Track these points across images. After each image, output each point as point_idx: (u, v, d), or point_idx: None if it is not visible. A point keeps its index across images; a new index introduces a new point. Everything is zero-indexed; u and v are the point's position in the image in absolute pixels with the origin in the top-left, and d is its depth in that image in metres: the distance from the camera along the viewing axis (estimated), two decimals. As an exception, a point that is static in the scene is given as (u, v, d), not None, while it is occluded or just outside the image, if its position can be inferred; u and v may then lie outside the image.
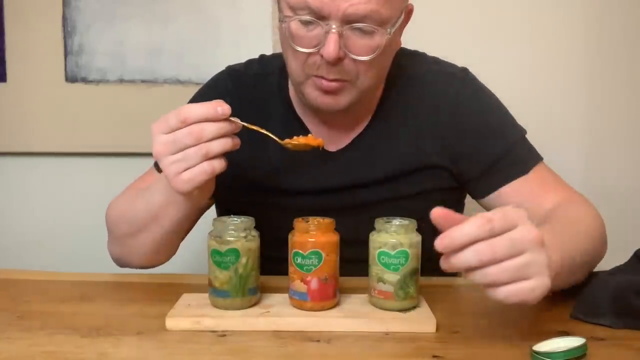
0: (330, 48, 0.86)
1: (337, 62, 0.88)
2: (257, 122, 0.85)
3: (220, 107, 0.81)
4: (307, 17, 0.87)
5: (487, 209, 1.01)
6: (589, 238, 0.87)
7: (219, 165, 0.82)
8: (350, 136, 1.03)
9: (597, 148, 1.62)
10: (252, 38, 1.56)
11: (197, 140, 0.80)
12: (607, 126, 1.62)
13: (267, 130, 0.86)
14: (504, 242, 0.66)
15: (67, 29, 1.58)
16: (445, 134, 1.01)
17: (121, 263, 1.04)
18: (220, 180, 0.90)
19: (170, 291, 0.93)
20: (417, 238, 0.83)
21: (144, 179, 1.07)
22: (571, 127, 1.62)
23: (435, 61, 1.07)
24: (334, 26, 0.86)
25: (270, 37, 1.56)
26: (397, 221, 0.84)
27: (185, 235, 1.02)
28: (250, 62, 1.12)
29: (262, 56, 1.14)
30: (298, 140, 0.88)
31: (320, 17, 0.87)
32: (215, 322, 0.80)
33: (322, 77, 0.91)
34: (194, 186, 0.82)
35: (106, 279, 1.01)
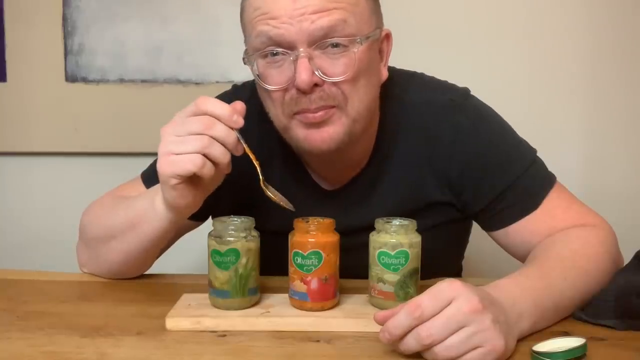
0: (302, 74, 0.82)
1: (312, 89, 0.84)
2: (260, 163, 0.83)
3: (237, 116, 0.80)
4: (273, 49, 0.84)
5: (495, 240, 0.99)
6: (589, 272, 0.85)
7: (208, 168, 0.80)
8: (348, 175, 0.99)
9: (596, 149, 1.62)
10: (252, 38, 1.56)
11: (202, 129, 0.79)
12: (606, 127, 1.61)
13: (261, 167, 0.84)
14: (439, 322, 0.67)
15: (67, 29, 1.58)
16: (446, 167, 0.96)
17: (88, 269, 1.01)
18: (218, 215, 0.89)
19: (170, 291, 0.93)
20: (417, 238, 0.83)
21: (125, 187, 1.05)
22: (570, 127, 1.62)
23: (433, 86, 1.01)
24: (301, 50, 0.82)
25: (270, 37, 1.56)
26: (397, 221, 0.84)
27: (159, 255, 0.99)
28: (254, 92, 1.00)
29: None
30: (274, 194, 0.86)
31: (286, 46, 0.83)
32: (215, 322, 0.80)
33: (306, 111, 0.86)
34: (175, 173, 0.79)
35: (106, 279, 1.01)
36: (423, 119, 0.97)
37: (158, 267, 1.03)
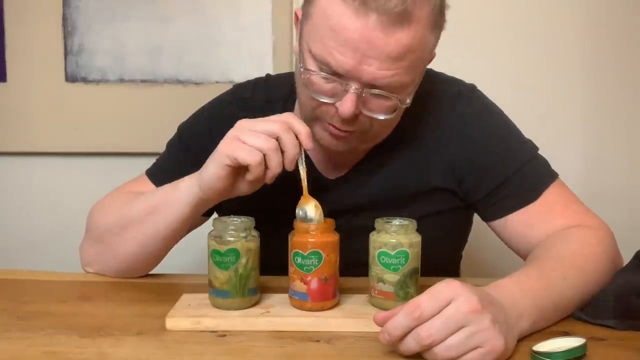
0: (347, 106, 0.85)
1: (352, 119, 0.87)
2: None
3: (309, 139, 0.83)
4: (328, 75, 0.86)
5: (495, 232, 1.00)
6: (588, 272, 0.85)
7: (260, 169, 0.82)
8: (352, 162, 1.01)
9: (596, 149, 1.62)
10: (252, 38, 1.56)
11: (277, 130, 0.81)
12: (606, 127, 1.62)
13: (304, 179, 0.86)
14: (439, 322, 0.67)
15: (67, 29, 1.58)
16: (451, 155, 0.99)
17: (95, 267, 1.01)
18: (224, 205, 0.91)
19: (170, 291, 0.93)
20: (417, 238, 0.83)
21: (131, 185, 1.06)
22: (570, 128, 1.62)
23: (442, 78, 1.04)
24: (353, 87, 0.85)
25: (270, 37, 1.56)
26: (397, 221, 0.84)
27: (167, 251, 0.99)
28: (256, 86, 1.09)
29: (268, 78, 1.11)
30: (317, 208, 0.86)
31: (341, 76, 0.85)
32: (215, 322, 0.80)
33: (334, 126, 0.90)
34: (233, 155, 0.81)
35: (106, 279, 1.01)
36: (431, 107, 1.00)
37: (158, 267, 1.03)
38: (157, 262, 1.00)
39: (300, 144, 0.83)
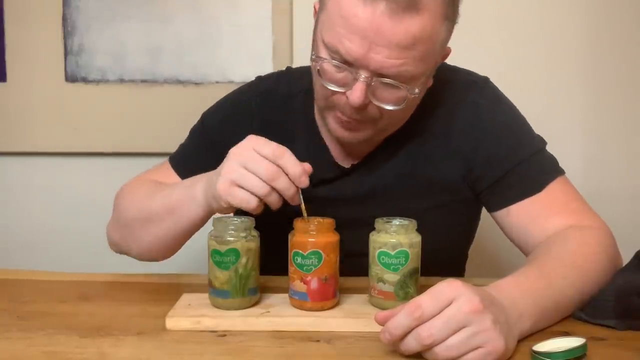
0: (357, 95, 0.86)
1: (362, 108, 0.88)
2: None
3: (305, 177, 0.82)
4: (338, 63, 0.86)
5: (499, 225, 1.01)
6: (587, 271, 0.85)
7: (260, 208, 0.82)
8: (366, 151, 1.02)
9: (596, 149, 1.62)
10: (252, 38, 1.56)
11: (266, 179, 0.80)
12: (606, 127, 1.62)
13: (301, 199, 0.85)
14: (440, 322, 0.67)
15: (67, 29, 1.58)
16: (462, 144, 0.99)
17: (119, 249, 1.03)
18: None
19: (170, 291, 0.93)
20: (417, 238, 0.83)
21: (155, 173, 1.07)
22: (570, 127, 1.62)
23: (455, 69, 1.05)
24: (363, 75, 0.85)
25: (270, 37, 1.56)
26: (397, 221, 0.84)
27: (183, 243, 1.00)
28: (279, 79, 1.10)
29: (289, 71, 1.13)
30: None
31: (351, 65, 0.86)
32: (215, 322, 0.80)
33: (344, 114, 0.91)
34: (230, 203, 0.82)
35: (106, 279, 1.01)
36: (443, 98, 1.00)
37: (158, 266, 1.03)
38: (174, 251, 1.01)
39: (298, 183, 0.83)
